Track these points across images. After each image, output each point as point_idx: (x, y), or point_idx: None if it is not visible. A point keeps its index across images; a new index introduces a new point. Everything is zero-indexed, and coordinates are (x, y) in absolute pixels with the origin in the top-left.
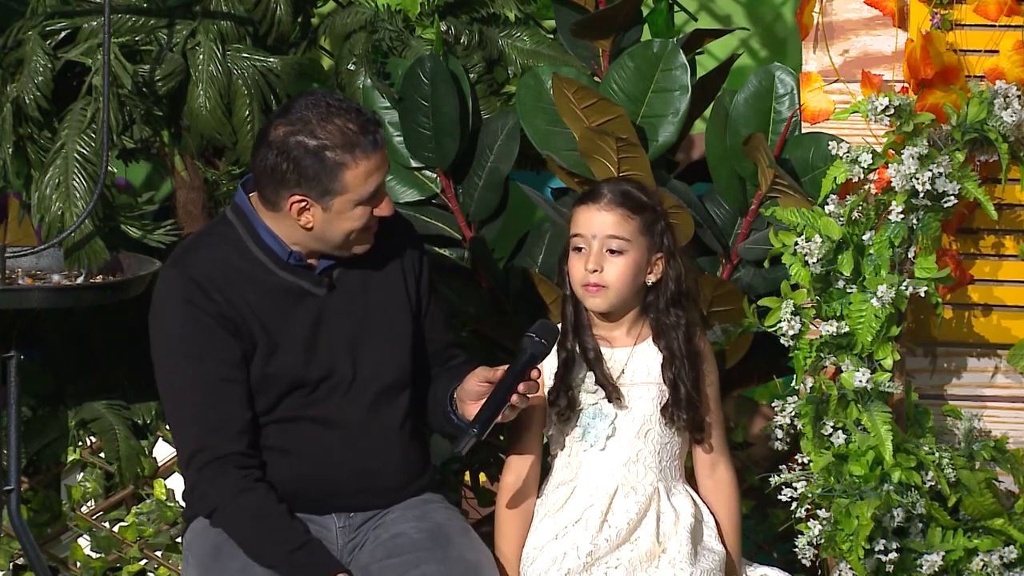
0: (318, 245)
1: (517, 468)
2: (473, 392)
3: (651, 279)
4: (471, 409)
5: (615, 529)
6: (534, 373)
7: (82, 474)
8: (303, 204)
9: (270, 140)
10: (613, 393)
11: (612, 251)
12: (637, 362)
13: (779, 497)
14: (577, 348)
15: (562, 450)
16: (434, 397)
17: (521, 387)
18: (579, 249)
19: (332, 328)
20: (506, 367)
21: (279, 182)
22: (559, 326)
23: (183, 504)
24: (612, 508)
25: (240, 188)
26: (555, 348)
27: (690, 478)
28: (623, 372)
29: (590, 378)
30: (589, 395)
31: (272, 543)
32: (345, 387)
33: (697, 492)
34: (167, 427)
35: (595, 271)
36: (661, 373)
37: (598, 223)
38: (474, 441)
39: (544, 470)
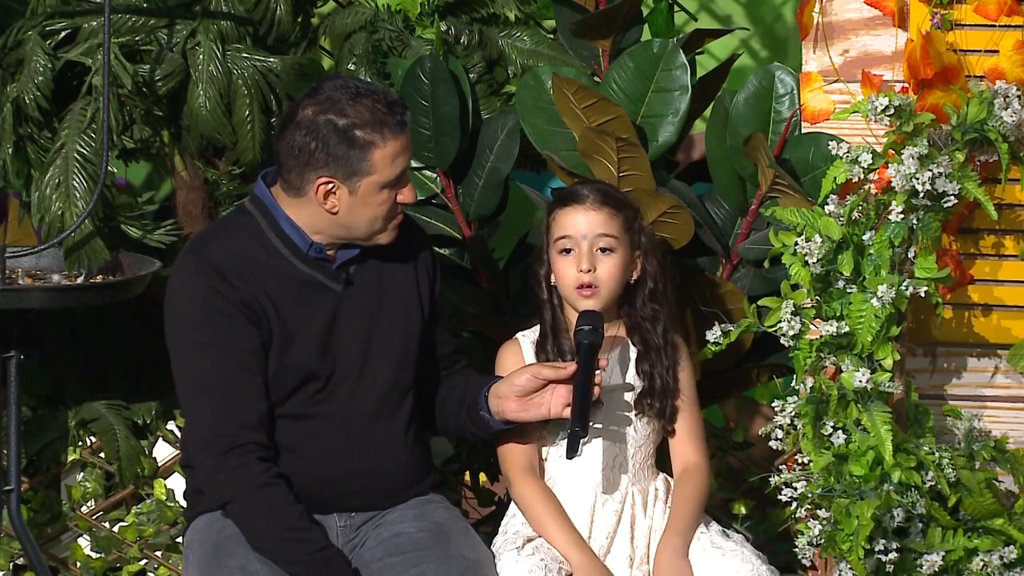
0: (341, 232)
1: (523, 450)
2: (520, 388)
3: (634, 276)
4: (511, 406)
5: (598, 543)
6: (602, 362)
7: (82, 474)
8: (330, 186)
9: (298, 120)
10: None
11: (603, 250)
12: (612, 365)
13: (779, 497)
14: (556, 353)
15: (538, 456)
16: (445, 400)
17: (597, 377)
18: (567, 251)
19: (346, 324)
20: (559, 365)
21: (306, 163)
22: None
23: (183, 504)
24: (594, 519)
25: (260, 180)
26: (535, 354)
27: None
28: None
29: None
30: None
31: (290, 541)
32: (353, 384)
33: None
34: (167, 427)
35: (589, 270)
36: (636, 367)
37: (586, 223)
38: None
39: None
